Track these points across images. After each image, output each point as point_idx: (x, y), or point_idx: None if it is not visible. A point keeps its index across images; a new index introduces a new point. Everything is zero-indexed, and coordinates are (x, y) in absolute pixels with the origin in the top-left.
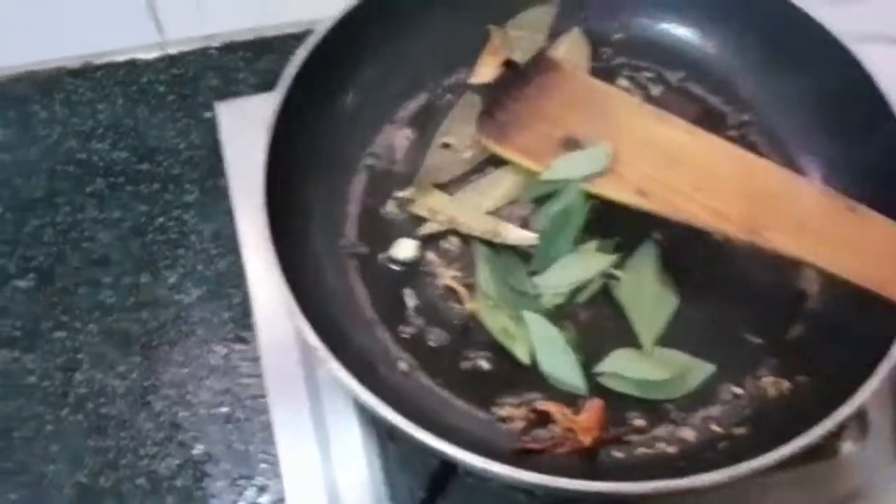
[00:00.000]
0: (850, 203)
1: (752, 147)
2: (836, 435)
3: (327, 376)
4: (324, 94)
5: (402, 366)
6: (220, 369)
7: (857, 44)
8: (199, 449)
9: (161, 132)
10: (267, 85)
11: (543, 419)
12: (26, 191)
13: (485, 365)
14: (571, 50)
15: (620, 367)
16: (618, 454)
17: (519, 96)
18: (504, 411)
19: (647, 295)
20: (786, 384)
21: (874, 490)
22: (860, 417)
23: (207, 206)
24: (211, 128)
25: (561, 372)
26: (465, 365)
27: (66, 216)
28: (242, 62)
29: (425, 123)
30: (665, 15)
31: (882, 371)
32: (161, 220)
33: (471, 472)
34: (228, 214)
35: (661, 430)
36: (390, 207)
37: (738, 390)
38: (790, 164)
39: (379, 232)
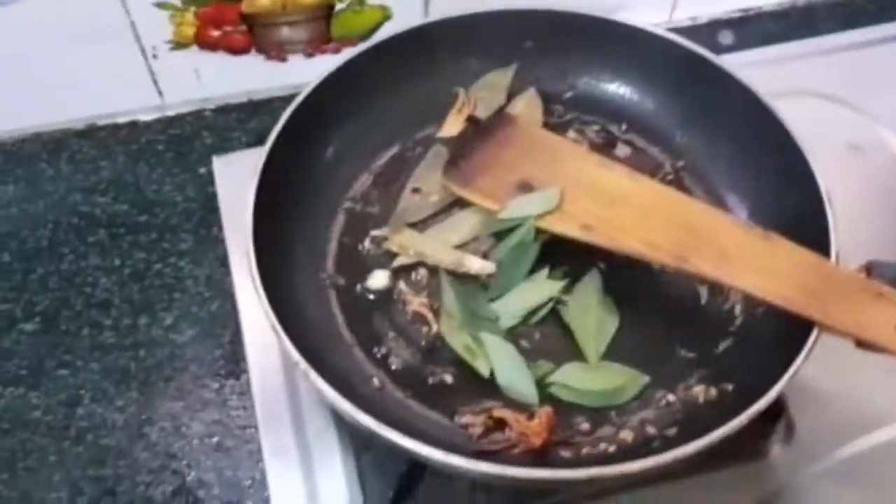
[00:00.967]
0: (765, 233)
1: (685, 189)
2: (764, 438)
3: (311, 400)
4: (307, 148)
5: (376, 382)
6: (211, 402)
7: (776, 99)
8: (192, 476)
9: (159, 186)
10: (258, 143)
11: (500, 425)
12: (33, 241)
13: (449, 379)
14: (527, 107)
15: (568, 379)
16: (565, 454)
17: (480, 147)
18: (465, 419)
19: (592, 316)
20: (713, 391)
21: (799, 488)
22: (787, 422)
23: (201, 254)
24: (205, 182)
25: (516, 384)
26: (431, 379)
27: (70, 264)
28: (236, 122)
29: (398, 171)
30: (609, 76)
31: (790, 373)
32: (158, 266)
33: (436, 474)
34: (220, 261)
35: (603, 432)
36: (366, 244)
37: (671, 397)
38: (719, 203)
39: (356, 265)
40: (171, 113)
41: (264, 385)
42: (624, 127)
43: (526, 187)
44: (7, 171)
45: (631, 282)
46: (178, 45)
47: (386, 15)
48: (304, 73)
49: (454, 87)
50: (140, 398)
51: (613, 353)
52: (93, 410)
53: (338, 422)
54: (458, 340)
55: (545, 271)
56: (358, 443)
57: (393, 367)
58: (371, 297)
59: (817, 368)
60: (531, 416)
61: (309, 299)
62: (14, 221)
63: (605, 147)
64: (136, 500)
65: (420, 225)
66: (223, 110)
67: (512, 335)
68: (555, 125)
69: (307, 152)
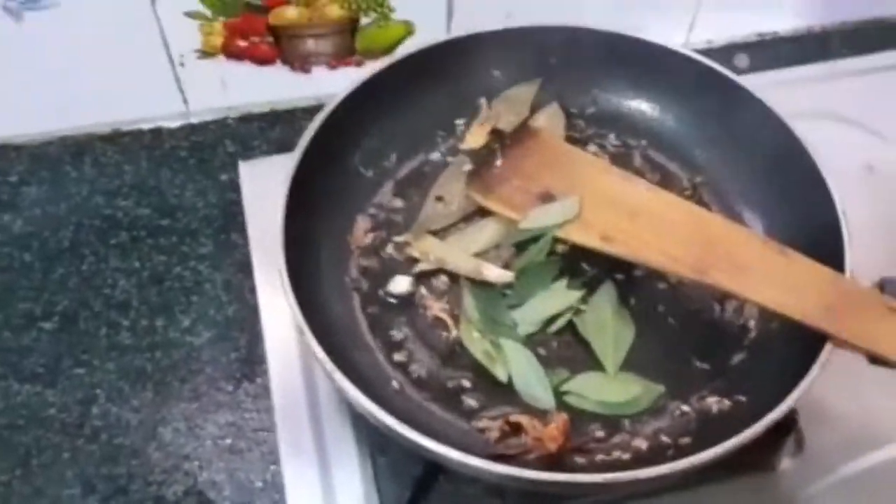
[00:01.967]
0: (782, 248)
1: (703, 205)
2: (774, 451)
3: (329, 402)
4: (335, 155)
5: (395, 384)
6: (225, 405)
7: (795, 120)
8: (203, 477)
9: (181, 192)
10: (280, 152)
11: (516, 430)
12: (54, 242)
13: (467, 384)
14: (549, 121)
15: (584, 388)
16: (580, 460)
17: (503, 158)
18: (482, 423)
19: (609, 327)
20: (727, 402)
21: (808, 501)
22: (797, 435)
23: (220, 258)
24: (226, 189)
25: (533, 390)
26: (450, 383)
27: (91, 265)
28: (258, 131)
29: (421, 180)
30: (630, 93)
31: (803, 386)
32: (177, 269)
33: (451, 477)
34: (238, 266)
35: (618, 440)
36: (389, 250)
37: (686, 407)
38: (736, 218)
39: (379, 270)
40: (194, 120)
41: (283, 386)
42: (644, 143)
43: (547, 198)
44: (31, 173)
45: (646, 293)
46: (206, 54)
47: (409, 30)
48: (327, 85)
49: (478, 99)
50: (155, 399)
51: (628, 363)
52: (108, 409)
53: (356, 423)
54: (477, 346)
55: (564, 281)
56: (375, 445)
57: (412, 371)
58: (393, 301)
59: (829, 384)
60: (546, 423)
61: (333, 302)
62: (36, 222)
63: (624, 161)
64: (147, 500)
65: (442, 233)
66: (246, 119)
67: (530, 343)
68: (576, 139)
69: (335, 159)
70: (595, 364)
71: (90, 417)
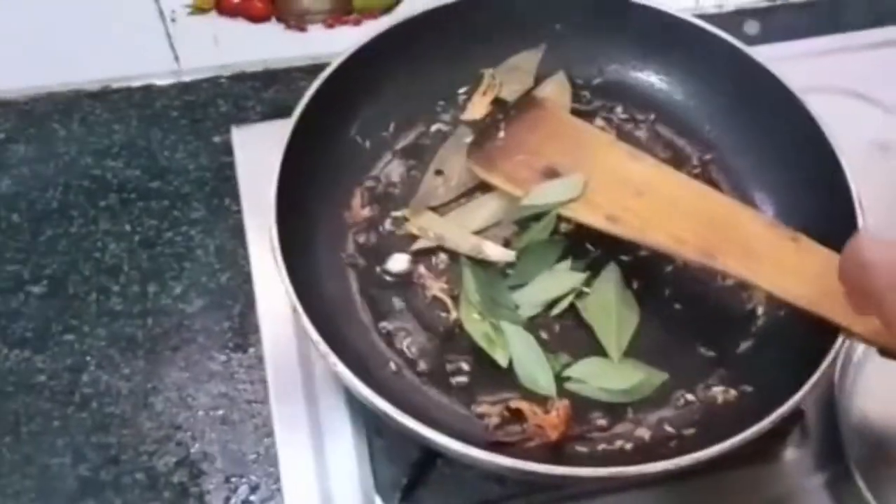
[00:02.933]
0: (793, 233)
1: (712, 183)
2: (779, 440)
3: (324, 377)
4: (331, 122)
5: (392, 366)
6: (218, 375)
7: (809, 95)
8: (196, 448)
9: (172, 153)
10: (274, 113)
11: (516, 416)
12: (42, 203)
13: (466, 367)
14: (555, 91)
15: (586, 374)
16: (581, 449)
17: (506, 130)
18: (482, 408)
19: (612, 311)
20: (732, 392)
21: (812, 490)
22: (801, 425)
23: (213, 224)
24: (219, 151)
25: (534, 375)
26: (449, 367)
27: (80, 228)
28: (251, 91)
29: (421, 152)
30: (639, 64)
31: (813, 379)
32: (169, 234)
33: (449, 461)
34: (231, 232)
35: (620, 429)
36: (387, 225)
37: (690, 397)
38: (746, 199)
39: (376, 247)
40: (186, 79)
41: (277, 357)
42: (652, 116)
43: (551, 174)
44: (19, 131)
45: (651, 276)
46: (198, 9)
47: None
48: (324, 44)
49: (481, 67)
50: (146, 367)
51: (632, 348)
52: (98, 377)
53: (351, 402)
54: (477, 328)
55: (567, 262)
56: (371, 427)
57: (410, 353)
58: (390, 279)
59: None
60: (547, 409)
61: (328, 278)
62: (24, 182)
63: (631, 136)
64: (138, 469)
65: (441, 208)
66: (239, 78)
67: (532, 326)
68: (582, 112)
69: (332, 127)
70: (598, 349)
71: (80, 385)
